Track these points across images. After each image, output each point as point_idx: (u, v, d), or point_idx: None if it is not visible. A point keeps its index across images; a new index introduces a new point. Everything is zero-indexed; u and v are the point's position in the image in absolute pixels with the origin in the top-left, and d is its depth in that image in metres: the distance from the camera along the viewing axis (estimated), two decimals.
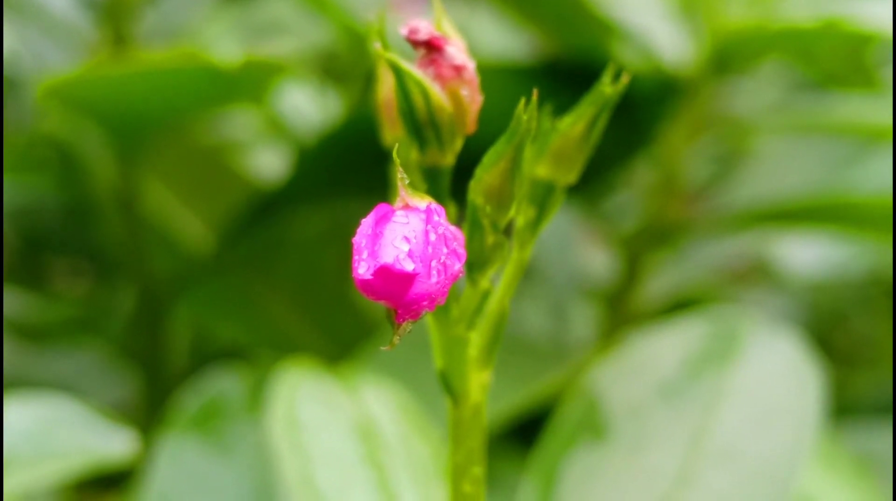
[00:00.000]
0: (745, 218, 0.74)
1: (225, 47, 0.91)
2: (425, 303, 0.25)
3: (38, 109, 0.80)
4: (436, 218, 0.25)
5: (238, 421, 0.55)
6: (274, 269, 0.80)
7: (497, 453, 0.61)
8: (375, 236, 0.24)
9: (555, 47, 0.75)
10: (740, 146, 0.91)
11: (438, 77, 0.28)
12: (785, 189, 0.79)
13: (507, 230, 0.29)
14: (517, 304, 0.83)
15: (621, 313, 0.77)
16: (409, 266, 0.24)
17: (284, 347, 0.77)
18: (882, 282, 1.02)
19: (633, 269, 0.77)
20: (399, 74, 0.28)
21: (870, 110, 0.74)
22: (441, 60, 0.28)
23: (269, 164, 0.90)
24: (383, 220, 0.25)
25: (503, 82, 0.70)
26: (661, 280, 0.82)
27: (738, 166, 0.90)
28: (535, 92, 0.28)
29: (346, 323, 0.80)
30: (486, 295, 0.29)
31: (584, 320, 0.83)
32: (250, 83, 0.69)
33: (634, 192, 0.86)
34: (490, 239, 0.28)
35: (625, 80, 0.28)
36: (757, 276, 1.02)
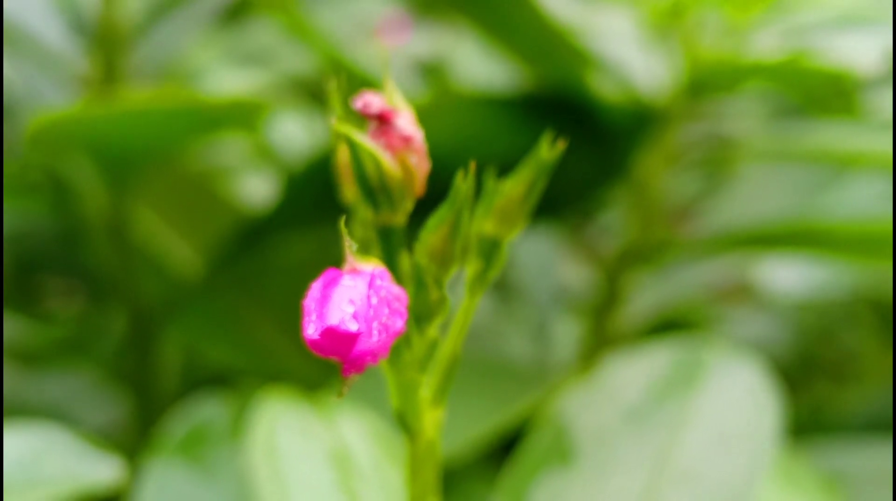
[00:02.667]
0: (725, 241, 0.75)
1: (215, 76, 0.93)
2: (368, 359, 0.27)
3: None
4: (378, 282, 0.27)
5: (222, 447, 0.57)
6: (262, 293, 0.82)
7: (475, 474, 0.62)
8: (324, 299, 0.27)
9: (535, 77, 0.77)
10: (720, 171, 0.92)
11: (389, 146, 0.31)
12: (763, 213, 0.80)
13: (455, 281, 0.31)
14: (499, 325, 0.85)
15: (604, 333, 0.79)
16: (353, 327, 0.26)
17: (271, 369, 0.79)
18: (866, 298, 1.03)
19: (614, 289, 0.78)
20: (353, 145, 0.31)
21: (846, 136, 0.75)
22: (391, 131, 0.31)
23: (257, 190, 0.91)
24: (331, 284, 0.27)
25: (485, 111, 0.72)
26: (643, 300, 0.83)
27: (719, 189, 0.91)
28: (472, 164, 0.30)
29: None
30: (433, 343, 0.31)
31: (566, 340, 0.84)
32: (239, 117, 0.70)
33: (616, 213, 0.88)
34: (434, 294, 0.31)
35: (561, 146, 0.31)
36: (741, 295, 1.04)
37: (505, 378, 0.70)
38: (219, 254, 0.78)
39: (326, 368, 0.77)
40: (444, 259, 0.30)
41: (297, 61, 0.98)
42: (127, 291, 0.80)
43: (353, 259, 0.28)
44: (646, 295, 0.83)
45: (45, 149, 0.77)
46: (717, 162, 0.85)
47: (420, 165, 0.31)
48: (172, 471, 0.55)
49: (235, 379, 0.76)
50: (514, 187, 0.31)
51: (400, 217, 0.31)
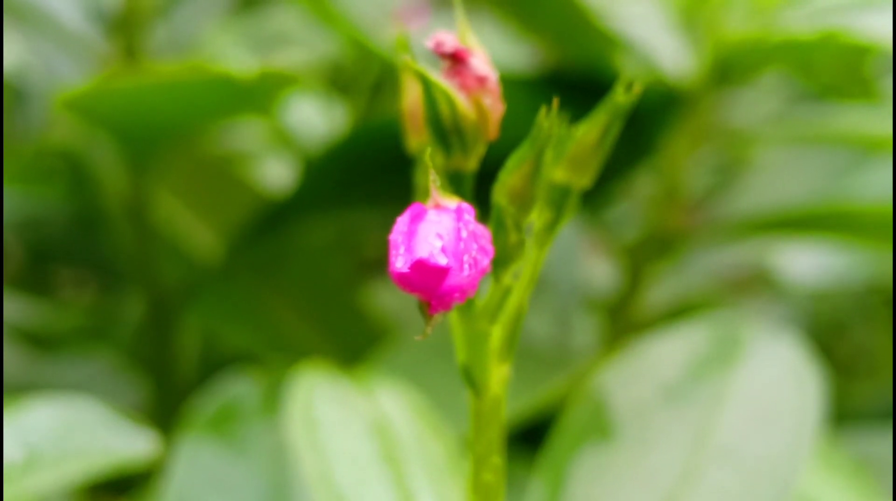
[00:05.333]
0: (746, 227, 0.75)
1: (234, 59, 0.92)
2: (457, 295, 0.26)
3: (47, 119, 0.81)
4: (466, 216, 0.27)
5: (253, 424, 0.56)
6: (281, 277, 0.81)
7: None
8: (411, 233, 0.26)
9: (558, 58, 0.77)
10: (741, 156, 0.92)
11: (463, 87, 0.30)
12: (784, 198, 0.80)
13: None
14: None
15: (623, 321, 0.78)
16: (442, 261, 0.26)
17: (292, 353, 0.78)
18: (881, 291, 1.03)
19: (635, 278, 0.78)
20: (427, 84, 0.30)
21: (868, 121, 0.75)
22: (465, 71, 0.30)
23: (277, 174, 0.91)
24: (417, 218, 0.26)
25: (508, 93, 0.71)
26: (662, 289, 0.83)
27: (738, 176, 0.91)
28: (555, 101, 0.29)
29: (353, 330, 0.81)
30: (507, 291, 0.30)
31: (587, 328, 0.84)
32: (261, 95, 0.70)
33: (637, 202, 0.87)
34: (513, 238, 0.30)
35: (637, 89, 0.30)
36: (757, 285, 1.03)
37: (529, 363, 0.70)
38: (238, 238, 0.78)
39: (348, 352, 0.76)
40: (524, 201, 0.30)
41: (315, 47, 0.97)
42: (146, 274, 0.79)
43: (437, 194, 0.27)
44: (664, 284, 0.83)
45: (65, 126, 0.76)
46: (741, 145, 0.85)
47: (495, 107, 0.30)
48: (203, 448, 0.54)
49: (255, 363, 0.76)
50: (588, 133, 0.31)
51: (472, 162, 0.31)
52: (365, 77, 0.86)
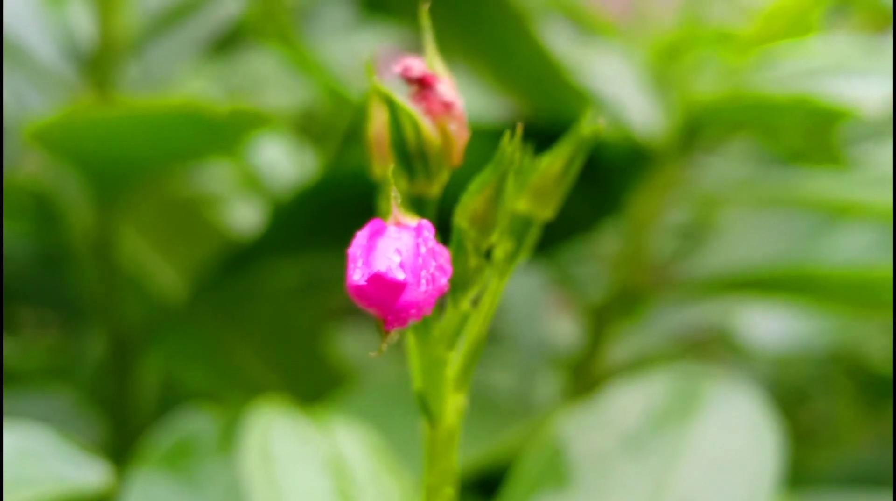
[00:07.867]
0: (710, 286, 0.75)
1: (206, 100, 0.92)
2: (413, 311, 0.26)
3: (16, 156, 0.80)
4: (426, 233, 0.27)
5: (209, 460, 0.56)
6: (245, 320, 0.81)
7: None
8: (370, 248, 0.26)
9: (529, 112, 0.77)
10: (707, 218, 0.92)
11: (429, 112, 0.30)
12: (750, 260, 0.80)
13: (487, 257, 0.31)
14: (484, 370, 0.84)
15: (584, 379, 0.78)
16: (399, 275, 0.26)
17: (251, 396, 0.78)
18: (843, 360, 1.03)
19: (597, 337, 0.78)
20: (393, 107, 0.30)
21: (835, 186, 0.75)
22: (432, 97, 0.30)
23: (244, 217, 0.91)
24: (377, 234, 0.26)
25: (479, 143, 0.71)
26: (623, 348, 0.83)
27: (704, 237, 0.91)
28: (519, 127, 0.29)
29: (314, 376, 0.80)
30: (465, 317, 0.30)
31: (549, 385, 0.84)
32: (231, 133, 0.69)
33: (602, 261, 0.88)
34: (473, 261, 0.30)
35: (601, 125, 0.30)
36: (719, 348, 1.03)
37: (488, 415, 0.70)
38: (202, 279, 0.77)
39: (309, 397, 0.76)
40: (485, 225, 0.30)
41: (287, 94, 0.97)
42: (108, 313, 0.79)
43: (398, 212, 0.27)
44: (626, 343, 0.83)
45: (34, 162, 0.76)
46: (708, 207, 0.85)
47: (460, 133, 0.31)
48: (157, 482, 0.54)
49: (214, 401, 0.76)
50: (552, 164, 0.31)
51: (435, 188, 0.31)
52: (337, 125, 0.86)
